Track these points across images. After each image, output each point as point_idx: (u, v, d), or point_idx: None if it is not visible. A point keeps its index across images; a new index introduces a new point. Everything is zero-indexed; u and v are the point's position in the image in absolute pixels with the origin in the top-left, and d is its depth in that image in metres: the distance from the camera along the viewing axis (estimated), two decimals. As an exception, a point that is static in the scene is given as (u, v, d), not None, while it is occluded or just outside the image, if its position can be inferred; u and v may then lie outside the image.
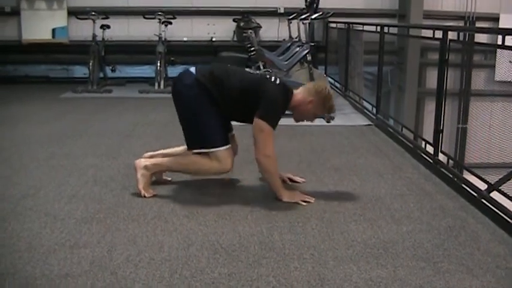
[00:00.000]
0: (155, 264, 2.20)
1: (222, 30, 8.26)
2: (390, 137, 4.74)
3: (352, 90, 6.73)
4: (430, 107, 7.80)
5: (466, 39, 5.47)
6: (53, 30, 8.13)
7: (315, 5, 7.50)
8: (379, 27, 5.42)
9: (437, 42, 3.81)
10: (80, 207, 2.84)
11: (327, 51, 8.25)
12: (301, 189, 3.16)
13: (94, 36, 7.36)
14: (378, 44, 5.40)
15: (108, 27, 7.51)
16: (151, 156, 3.21)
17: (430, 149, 3.95)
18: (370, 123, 5.38)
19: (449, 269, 2.19)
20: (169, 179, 3.28)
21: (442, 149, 3.84)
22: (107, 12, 7.58)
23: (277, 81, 3.02)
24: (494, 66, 7.86)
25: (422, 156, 3.99)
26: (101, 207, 2.85)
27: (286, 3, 8.14)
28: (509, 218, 2.69)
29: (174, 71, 7.71)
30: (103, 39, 7.54)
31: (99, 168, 3.59)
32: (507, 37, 3.00)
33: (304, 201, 2.94)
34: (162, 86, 7.21)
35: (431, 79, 7.74)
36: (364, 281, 2.07)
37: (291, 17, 7.15)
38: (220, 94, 2.96)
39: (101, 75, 7.64)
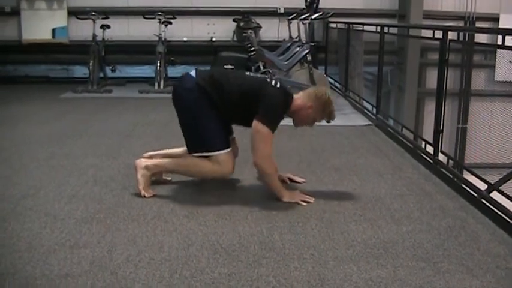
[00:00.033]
0: (155, 264, 2.20)
1: (222, 30, 8.26)
2: (390, 137, 4.74)
3: (352, 90, 6.73)
4: (430, 107, 7.80)
5: (466, 39, 5.47)
6: (53, 30, 8.13)
7: (315, 5, 7.50)
8: (379, 28, 5.42)
9: (437, 42, 3.81)
10: (80, 207, 2.84)
11: (327, 51, 8.25)
12: (301, 189, 3.16)
13: (94, 36, 7.36)
14: (377, 44, 5.40)
15: (108, 27, 7.51)
16: (151, 156, 3.21)
17: (430, 149, 3.95)
18: (370, 123, 5.38)
19: (449, 269, 2.19)
20: (169, 179, 3.28)
21: (442, 149, 3.84)
22: (107, 12, 7.58)
23: (278, 85, 3.02)
24: (494, 66, 7.87)
25: (422, 157, 3.99)
26: (101, 207, 2.85)
27: (286, 3, 8.14)
28: (509, 218, 2.69)
29: (174, 71, 7.74)
30: (103, 39, 7.54)
31: (99, 168, 3.59)
32: (507, 37, 3.00)
33: (304, 201, 2.94)
34: (162, 86, 7.20)
35: (431, 79, 7.74)
36: (364, 281, 2.07)
37: (291, 17, 7.15)
38: (220, 98, 2.96)
39: (101, 75, 7.64)
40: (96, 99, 6.72)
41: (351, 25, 6.74)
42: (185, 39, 8.15)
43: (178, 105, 3.07)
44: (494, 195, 2.96)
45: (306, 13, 6.77)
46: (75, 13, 7.70)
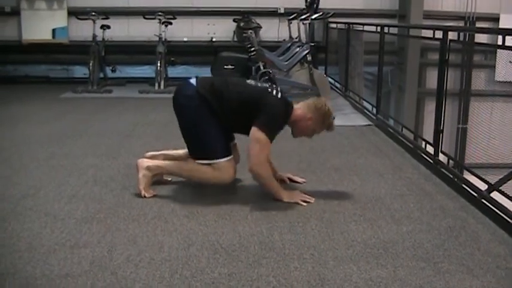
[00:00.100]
0: (155, 264, 2.20)
1: (222, 30, 8.26)
2: (390, 137, 4.74)
3: (352, 90, 6.73)
4: (430, 107, 7.79)
5: (466, 39, 5.46)
6: (53, 31, 8.13)
7: (315, 5, 7.50)
8: (379, 28, 5.42)
9: (438, 43, 3.81)
10: (80, 207, 2.84)
11: (327, 52, 8.24)
12: (301, 189, 3.16)
13: (94, 36, 7.36)
14: (378, 44, 5.40)
15: (108, 27, 7.51)
16: (153, 156, 3.22)
17: (430, 149, 3.95)
18: (370, 123, 5.38)
19: (449, 269, 2.19)
20: (170, 179, 3.28)
21: (442, 149, 3.83)
22: (107, 13, 7.58)
23: (279, 95, 3.03)
24: (494, 66, 7.87)
25: (423, 157, 3.99)
26: (101, 207, 2.85)
27: (286, 4, 8.14)
28: (509, 218, 2.69)
29: (174, 71, 7.74)
30: (103, 39, 7.54)
31: (99, 168, 3.59)
32: (507, 37, 3.00)
33: (304, 201, 2.94)
34: (162, 86, 7.20)
35: (432, 79, 7.74)
36: (364, 281, 2.07)
37: (291, 17, 7.16)
38: (220, 106, 2.97)
39: (101, 75, 7.64)
40: (96, 99, 6.72)
41: (351, 25, 6.74)
42: (185, 39, 8.15)
43: (179, 112, 3.08)
44: (495, 195, 2.95)
45: (306, 13, 6.78)
46: (75, 13, 7.70)
